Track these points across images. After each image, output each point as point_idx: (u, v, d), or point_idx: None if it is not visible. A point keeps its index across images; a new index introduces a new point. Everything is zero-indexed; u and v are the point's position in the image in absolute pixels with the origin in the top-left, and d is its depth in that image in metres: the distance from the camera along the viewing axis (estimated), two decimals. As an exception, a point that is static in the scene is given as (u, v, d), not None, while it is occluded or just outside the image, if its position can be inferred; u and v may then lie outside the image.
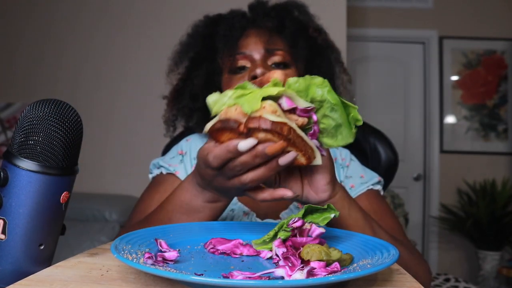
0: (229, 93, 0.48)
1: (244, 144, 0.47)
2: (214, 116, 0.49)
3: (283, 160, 0.48)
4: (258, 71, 0.80)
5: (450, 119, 3.46)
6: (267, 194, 0.52)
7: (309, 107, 0.47)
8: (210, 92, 0.97)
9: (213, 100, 0.49)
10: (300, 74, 0.89)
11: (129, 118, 2.58)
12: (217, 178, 0.53)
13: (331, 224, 0.57)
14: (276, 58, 0.84)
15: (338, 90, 0.96)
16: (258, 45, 0.85)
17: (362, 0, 3.43)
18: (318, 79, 0.48)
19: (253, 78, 0.81)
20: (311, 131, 0.49)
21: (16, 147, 0.43)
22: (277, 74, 0.48)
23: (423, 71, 3.50)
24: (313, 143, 0.48)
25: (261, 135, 0.45)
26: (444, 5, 3.42)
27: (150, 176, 0.93)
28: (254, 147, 0.47)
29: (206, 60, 0.93)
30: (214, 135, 0.50)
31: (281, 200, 0.52)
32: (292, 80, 0.48)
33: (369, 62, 3.50)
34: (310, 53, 0.91)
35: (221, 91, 0.92)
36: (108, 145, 2.57)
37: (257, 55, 0.84)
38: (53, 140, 0.43)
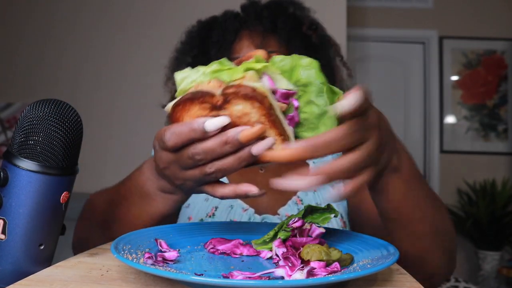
0: (202, 68, 0.41)
1: (214, 122, 0.39)
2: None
3: (258, 148, 0.40)
4: None
5: (450, 119, 3.46)
6: (228, 190, 0.44)
7: (290, 90, 0.41)
8: None
9: (182, 76, 0.41)
10: None
11: (129, 118, 2.58)
12: (171, 167, 0.45)
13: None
14: None
15: (339, 85, 0.95)
16: (251, 49, 0.84)
17: (362, 0, 3.43)
18: (306, 60, 0.42)
19: None
20: (291, 114, 0.42)
21: (16, 147, 0.43)
22: (260, 52, 0.42)
23: (423, 71, 3.50)
24: (291, 130, 0.41)
25: (238, 107, 0.38)
26: (444, 5, 3.42)
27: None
28: (223, 130, 0.39)
29: (203, 66, 0.92)
30: (179, 112, 0.40)
31: (245, 197, 0.44)
32: (277, 58, 0.42)
33: (369, 62, 3.50)
34: (305, 51, 0.89)
35: None
36: (108, 145, 2.57)
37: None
38: (53, 140, 0.43)
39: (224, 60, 0.41)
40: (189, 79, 0.41)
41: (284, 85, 0.41)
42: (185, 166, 0.43)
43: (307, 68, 0.41)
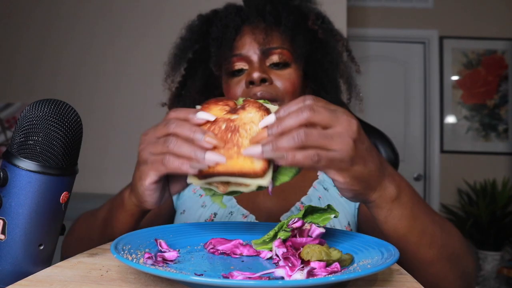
0: None
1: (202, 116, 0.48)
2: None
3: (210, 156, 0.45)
4: (255, 75, 0.77)
5: (450, 119, 3.45)
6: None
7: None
8: (210, 95, 0.90)
9: None
10: (300, 71, 0.85)
11: (129, 118, 2.58)
12: (146, 146, 0.53)
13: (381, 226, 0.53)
14: (274, 58, 0.81)
15: (346, 82, 0.92)
16: (253, 45, 0.81)
17: (362, 0, 3.43)
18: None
19: (250, 83, 0.78)
20: None
21: (15, 147, 0.43)
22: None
23: (424, 71, 3.50)
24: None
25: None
26: (444, 5, 3.42)
27: None
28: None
29: (203, 62, 0.90)
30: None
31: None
32: None
33: (369, 62, 3.49)
34: (311, 47, 0.86)
35: (221, 94, 0.90)
36: (108, 145, 2.57)
37: (253, 56, 0.81)
38: (53, 140, 0.43)
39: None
40: None
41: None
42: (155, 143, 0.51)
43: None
